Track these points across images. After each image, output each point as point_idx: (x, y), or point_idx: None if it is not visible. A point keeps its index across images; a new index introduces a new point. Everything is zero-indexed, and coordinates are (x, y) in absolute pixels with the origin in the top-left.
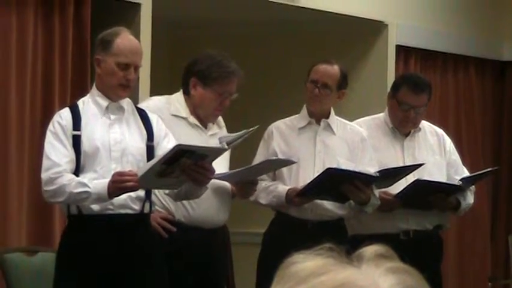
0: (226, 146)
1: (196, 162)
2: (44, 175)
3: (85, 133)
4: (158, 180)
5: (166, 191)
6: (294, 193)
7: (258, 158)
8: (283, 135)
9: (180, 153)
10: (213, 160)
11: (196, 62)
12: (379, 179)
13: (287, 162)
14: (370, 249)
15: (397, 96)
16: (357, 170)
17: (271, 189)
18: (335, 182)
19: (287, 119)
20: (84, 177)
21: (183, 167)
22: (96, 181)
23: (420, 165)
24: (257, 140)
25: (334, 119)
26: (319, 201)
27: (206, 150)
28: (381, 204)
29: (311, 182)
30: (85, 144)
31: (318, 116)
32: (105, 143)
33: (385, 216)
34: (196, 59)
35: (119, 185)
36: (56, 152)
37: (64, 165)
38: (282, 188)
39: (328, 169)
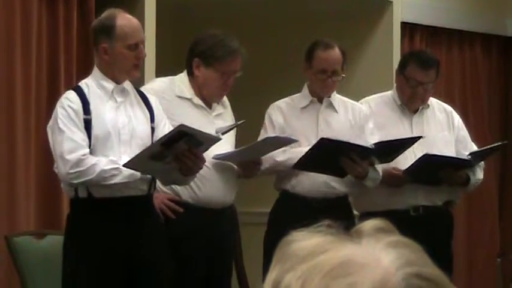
0: (221, 136)
1: (190, 149)
2: (71, 156)
3: (95, 117)
4: (148, 164)
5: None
6: None
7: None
8: (285, 115)
9: (181, 134)
10: (206, 149)
11: (198, 42)
12: (375, 151)
13: (288, 141)
14: (369, 224)
15: (405, 72)
16: (351, 141)
17: (289, 151)
18: (330, 154)
19: (287, 98)
20: None
21: (177, 153)
22: (123, 158)
23: (419, 137)
24: (259, 122)
25: (336, 97)
26: (324, 179)
27: (204, 136)
28: (390, 180)
29: (306, 153)
30: (96, 129)
31: (320, 95)
32: (115, 127)
33: (395, 192)
34: (199, 39)
35: None
36: (77, 135)
37: (86, 148)
38: (300, 149)
39: (322, 139)
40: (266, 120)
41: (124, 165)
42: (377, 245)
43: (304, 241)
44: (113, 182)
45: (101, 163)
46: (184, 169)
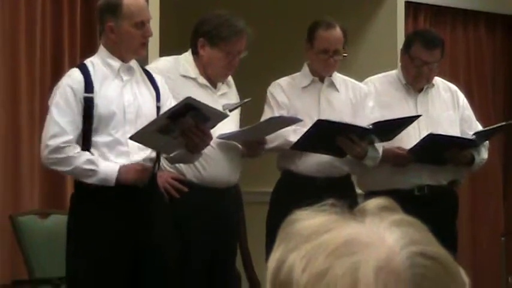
0: (228, 112)
1: (197, 125)
2: (52, 142)
3: (99, 96)
4: (155, 137)
5: (164, 155)
6: None
7: (267, 116)
8: (287, 93)
9: (188, 107)
10: (213, 126)
11: (203, 22)
12: (374, 131)
13: (292, 120)
14: (372, 203)
15: (410, 52)
16: (350, 122)
17: (300, 131)
18: (329, 135)
19: (288, 77)
20: (97, 141)
21: (184, 128)
22: (106, 163)
23: (417, 116)
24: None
25: (337, 76)
26: (328, 159)
27: (211, 111)
28: (394, 160)
29: (304, 134)
30: (100, 108)
31: (322, 74)
32: (120, 106)
33: (399, 171)
34: (204, 19)
35: (139, 175)
36: (65, 119)
37: (71, 134)
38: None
39: (319, 120)
40: (269, 98)
41: (130, 138)
42: (381, 224)
43: (308, 220)
44: (85, 180)
45: (79, 159)
46: (191, 145)
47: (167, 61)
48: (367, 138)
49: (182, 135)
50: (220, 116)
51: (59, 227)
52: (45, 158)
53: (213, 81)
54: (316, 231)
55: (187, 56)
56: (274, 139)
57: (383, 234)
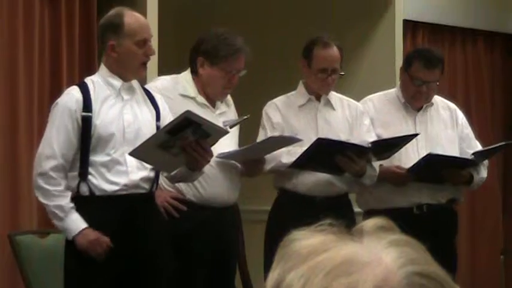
0: (229, 129)
1: (197, 141)
2: (43, 164)
3: (99, 117)
4: (155, 154)
5: (165, 174)
6: None
7: (261, 137)
8: (283, 113)
9: (187, 121)
10: (214, 143)
11: (202, 40)
12: (372, 149)
13: (292, 140)
14: (370, 223)
15: (409, 71)
16: (348, 140)
17: (294, 151)
18: (328, 154)
19: (283, 96)
20: (95, 161)
21: (184, 143)
22: (76, 217)
23: (415, 135)
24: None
25: (332, 95)
26: (326, 177)
27: (211, 126)
28: (393, 179)
29: (303, 152)
30: (99, 128)
31: (318, 93)
32: (120, 127)
33: (398, 190)
34: (202, 38)
35: (91, 245)
36: (59, 139)
37: (62, 158)
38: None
39: (319, 139)
40: (264, 118)
41: (130, 154)
42: (379, 244)
43: (305, 240)
44: (51, 219)
45: (55, 199)
46: (191, 162)
47: (166, 80)
48: (365, 157)
49: (182, 151)
50: (221, 132)
51: (58, 246)
52: (34, 177)
53: (212, 100)
54: (314, 250)
55: (186, 75)
56: (269, 161)
57: (380, 254)
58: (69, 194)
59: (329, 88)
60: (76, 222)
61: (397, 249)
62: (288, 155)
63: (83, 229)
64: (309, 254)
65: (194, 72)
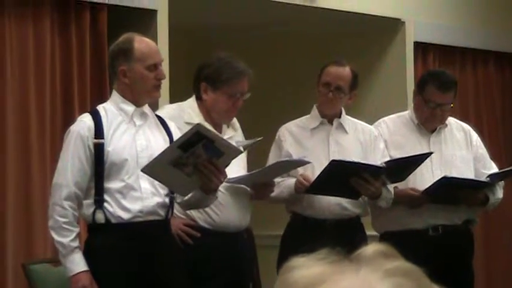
0: (242, 149)
1: (210, 160)
2: (57, 194)
3: (111, 143)
4: (167, 171)
5: (178, 200)
6: (303, 181)
7: (271, 161)
8: (296, 137)
9: (198, 136)
10: (227, 162)
11: (204, 66)
12: (387, 170)
13: (300, 163)
14: (370, 249)
15: (423, 94)
16: (362, 161)
17: (281, 183)
18: (342, 176)
19: (297, 120)
20: (110, 187)
21: (197, 161)
22: (74, 258)
23: (430, 154)
24: (270, 143)
25: (346, 118)
26: (337, 200)
27: (224, 144)
28: (408, 201)
29: (318, 176)
30: (112, 155)
31: (330, 116)
32: (133, 153)
33: (413, 212)
34: (204, 64)
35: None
36: (72, 168)
37: (74, 187)
38: (292, 180)
39: (333, 161)
40: (276, 143)
41: (142, 170)
42: (374, 275)
43: (303, 270)
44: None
45: (63, 234)
46: (205, 183)
47: (172, 109)
48: (381, 178)
49: (196, 171)
50: (234, 151)
51: None
52: (50, 204)
53: (218, 125)
54: (310, 284)
55: (191, 102)
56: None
57: (375, 286)
58: (76, 229)
59: (330, 105)
60: (74, 264)
61: (392, 281)
62: (276, 188)
63: (78, 272)
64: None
65: (199, 98)
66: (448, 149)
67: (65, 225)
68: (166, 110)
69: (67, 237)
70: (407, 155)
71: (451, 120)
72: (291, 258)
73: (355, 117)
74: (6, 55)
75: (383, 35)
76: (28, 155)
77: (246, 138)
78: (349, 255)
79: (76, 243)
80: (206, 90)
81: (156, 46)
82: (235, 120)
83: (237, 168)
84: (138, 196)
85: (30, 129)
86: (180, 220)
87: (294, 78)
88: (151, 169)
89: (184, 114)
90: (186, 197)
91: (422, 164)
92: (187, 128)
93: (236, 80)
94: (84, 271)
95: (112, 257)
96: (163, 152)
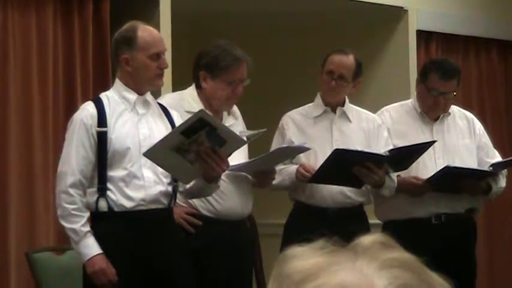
0: (245, 139)
1: (213, 148)
2: (63, 182)
3: (114, 131)
4: (169, 157)
5: (180, 188)
6: (304, 172)
7: (273, 148)
8: (299, 125)
9: (201, 123)
10: (230, 152)
11: (202, 54)
12: (390, 158)
13: (301, 149)
14: (368, 239)
15: (426, 82)
16: (366, 150)
17: (283, 171)
18: (346, 165)
19: (300, 108)
20: (113, 176)
21: (199, 149)
22: (88, 242)
23: (433, 142)
24: (272, 132)
25: (349, 107)
26: (340, 189)
27: (227, 132)
28: (411, 189)
29: (321, 166)
30: (114, 143)
31: (334, 105)
32: (135, 141)
33: (416, 200)
34: (202, 52)
35: (95, 274)
36: (77, 156)
37: (80, 175)
38: (294, 167)
39: (336, 150)
40: (279, 131)
41: (144, 154)
42: (371, 266)
43: (300, 261)
44: (68, 235)
45: (74, 221)
46: (207, 171)
47: (172, 98)
48: (384, 166)
49: (198, 158)
50: (237, 141)
51: (74, 263)
52: (57, 193)
53: (218, 113)
54: (305, 277)
55: (191, 91)
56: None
57: (371, 280)
58: (86, 214)
59: (332, 93)
60: (88, 248)
61: (389, 273)
62: (278, 175)
63: (93, 256)
64: (300, 281)
65: (198, 87)
66: (451, 138)
67: (74, 212)
68: (166, 100)
69: (77, 223)
70: (410, 144)
71: (454, 109)
72: (290, 247)
73: (357, 106)
74: (9, 45)
75: (386, 24)
76: (31, 144)
77: (248, 127)
78: (348, 244)
79: (87, 228)
80: (205, 79)
81: (159, 35)
82: (235, 108)
83: (238, 157)
84: (141, 184)
85: (33, 118)
86: (182, 208)
87: (297, 66)
88: (153, 153)
89: (184, 103)
90: (188, 186)
91: (425, 153)
92: (187, 117)
93: (234, 66)
94: (100, 254)
95: (115, 245)
96: (166, 137)
